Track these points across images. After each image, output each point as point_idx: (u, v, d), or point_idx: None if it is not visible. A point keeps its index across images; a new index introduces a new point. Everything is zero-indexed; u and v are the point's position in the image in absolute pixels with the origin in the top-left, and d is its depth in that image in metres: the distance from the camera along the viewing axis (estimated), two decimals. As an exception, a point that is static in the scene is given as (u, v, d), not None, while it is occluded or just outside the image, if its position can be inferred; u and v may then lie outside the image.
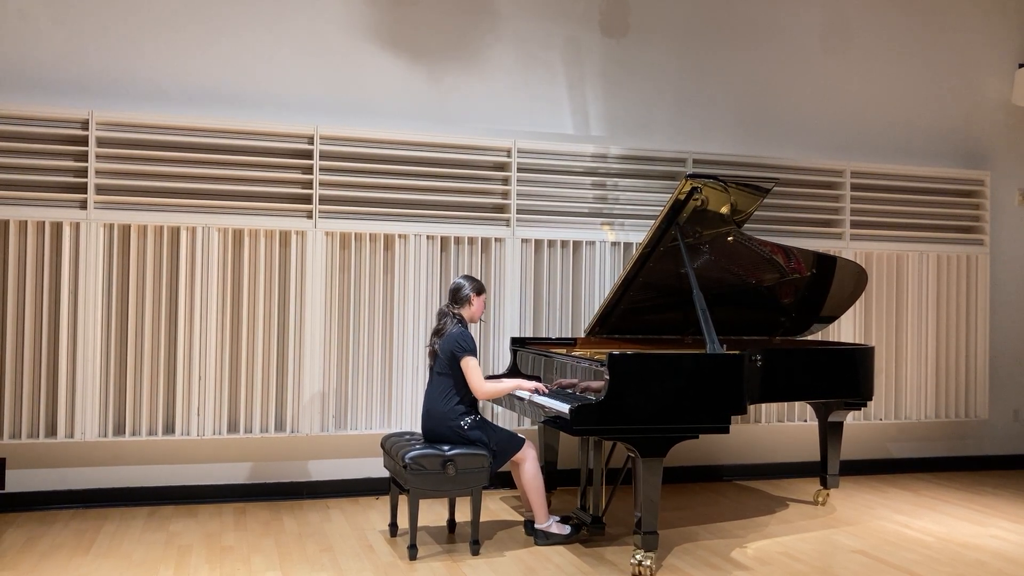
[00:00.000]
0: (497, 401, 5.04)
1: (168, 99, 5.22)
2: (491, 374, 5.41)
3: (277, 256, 5.28)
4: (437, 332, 4.44)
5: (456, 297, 4.47)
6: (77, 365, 4.95)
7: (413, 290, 5.46)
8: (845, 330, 6.20)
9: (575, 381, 4.45)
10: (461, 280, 4.51)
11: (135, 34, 5.18)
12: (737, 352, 4.15)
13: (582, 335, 5.41)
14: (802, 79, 6.36)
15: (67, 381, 4.94)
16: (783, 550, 4.45)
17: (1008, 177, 6.79)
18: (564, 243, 5.77)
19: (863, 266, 5.38)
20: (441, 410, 4.32)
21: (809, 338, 5.68)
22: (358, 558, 4.20)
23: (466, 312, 4.46)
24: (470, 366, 4.29)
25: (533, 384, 4.50)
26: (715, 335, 4.15)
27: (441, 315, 4.48)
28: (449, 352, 4.31)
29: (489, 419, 4.67)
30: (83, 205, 4.98)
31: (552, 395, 4.41)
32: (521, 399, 4.56)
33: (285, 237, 5.29)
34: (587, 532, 4.52)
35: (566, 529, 4.45)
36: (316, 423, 5.29)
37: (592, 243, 5.80)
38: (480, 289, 4.50)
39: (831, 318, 5.52)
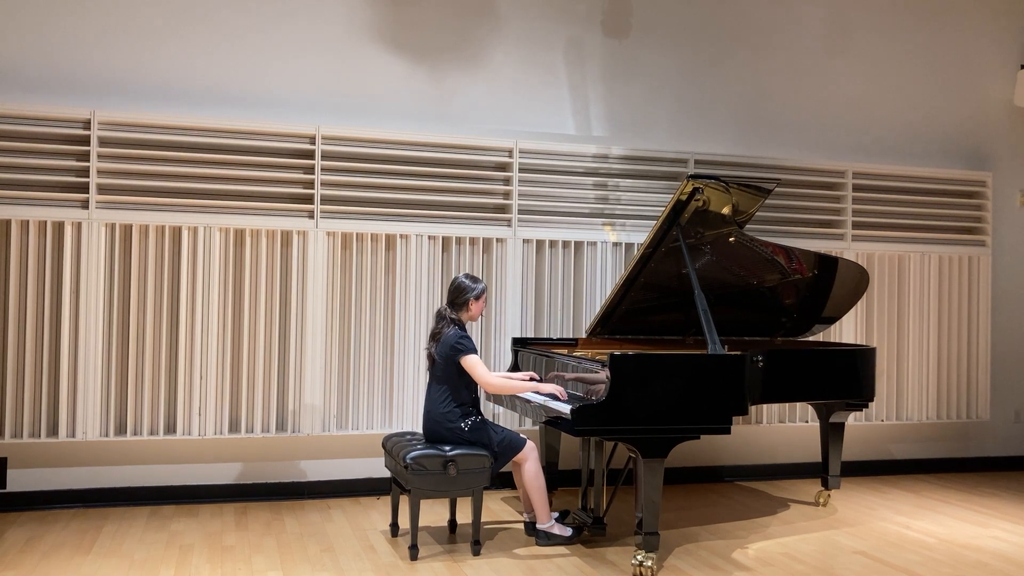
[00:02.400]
0: (498, 401, 5.03)
1: (170, 99, 5.23)
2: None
3: (278, 256, 5.28)
4: (434, 336, 4.41)
5: (454, 301, 4.41)
6: (78, 365, 4.95)
7: (414, 290, 5.46)
8: (847, 331, 6.20)
9: (581, 376, 4.43)
10: (463, 281, 4.43)
11: (137, 34, 5.18)
12: (739, 353, 4.15)
13: (583, 335, 5.41)
14: (804, 80, 6.36)
15: (68, 381, 4.94)
16: (784, 551, 4.45)
17: (1010, 178, 6.79)
18: (565, 243, 5.77)
19: (865, 267, 5.38)
20: (441, 412, 4.31)
21: (811, 339, 5.68)
22: (359, 558, 4.20)
23: (464, 316, 4.42)
24: (473, 363, 4.26)
25: (551, 387, 4.32)
26: (716, 336, 4.15)
27: (439, 317, 4.42)
28: (446, 356, 4.29)
29: (490, 419, 4.65)
30: (85, 205, 4.99)
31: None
32: (527, 401, 4.51)
33: (286, 237, 5.29)
34: (588, 533, 4.51)
35: (568, 531, 4.44)
36: (317, 423, 5.29)
37: (593, 243, 5.80)
38: (480, 293, 4.42)
39: (833, 319, 5.51)
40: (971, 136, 6.72)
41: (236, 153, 5.22)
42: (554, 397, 4.28)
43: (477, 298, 4.42)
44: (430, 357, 4.41)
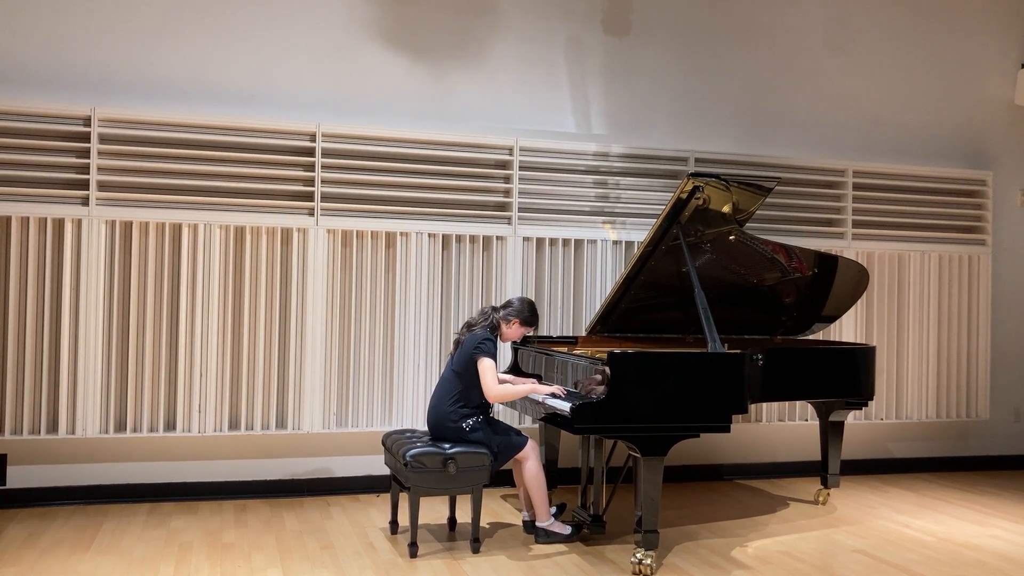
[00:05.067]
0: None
1: (170, 96, 5.22)
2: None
3: (279, 253, 5.28)
4: (468, 326, 4.44)
5: (503, 310, 4.48)
6: (78, 362, 4.95)
7: (414, 288, 5.46)
8: (846, 330, 6.20)
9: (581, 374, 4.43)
10: (517, 302, 4.50)
11: (138, 31, 5.18)
12: (738, 351, 4.14)
13: (583, 334, 5.41)
14: (804, 78, 6.36)
15: (68, 377, 4.94)
16: (784, 549, 4.45)
17: (1010, 177, 6.79)
18: (566, 241, 5.77)
19: (865, 266, 5.38)
20: (446, 409, 4.32)
21: (810, 337, 5.68)
22: (359, 556, 4.20)
23: (503, 326, 4.46)
24: (485, 367, 4.25)
25: (548, 387, 4.36)
26: (716, 334, 4.15)
27: (482, 312, 4.47)
28: (469, 352, 4.29)
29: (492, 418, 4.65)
30: (85, 202, 4.98)
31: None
32: (527, 399, 4.50)
33: (287, 234, 5.29)
34: (588, 531, 4.52)
35: (567, 528, 4.45)
36: (317, 420, 5.29)
37: (594, 242, 5.80)
38: (527, 321, 4.49)
39: (832, 318, 5.51)
40: (971, 135, 6.72)
41: (236, 150, 5.21)
42: (553, 395, 4.29)
43: (524, 324, 4.48)
44: (456, 343, 4.44)
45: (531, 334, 4.64)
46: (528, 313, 4.50)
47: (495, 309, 4.49)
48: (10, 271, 4.90)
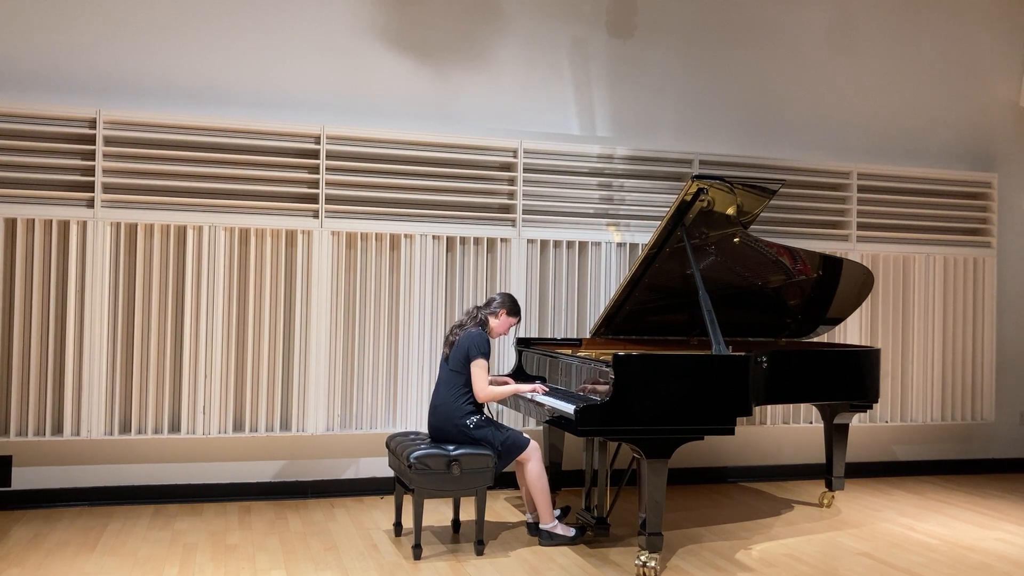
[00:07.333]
0: (503, 401, 5.03)
1: (175, 98, 5.24)
2: (496, 374, 5.40)
3: (283, 255, 5.29)
4: (460, 325, 4.49)
5: (488, 304, 4.58)
6: (84, 363, 4.96)
7: (419, 290, 5.47)
8: (851, 332, 6.19)
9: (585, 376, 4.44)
10: (499, 296, 4.63)
11: (143, 33, 5.19)
12: (743, 353, 4.14)
13: (587, 336, 5.42)
14: (809, 80, 6.35)
15: (73, 379, 4.95)
16: (788, 552, 4.44)
17: (1016, 179, 6.78)
18: (570, 244, 5.77)
19: (869, 268, 5.37)
20: (449, 408, 4.33)
21: (815, 340, 5.67)
22: (362, 557, 4.21)
23: (491, 322, 4.53)
24: (478, 368, 4.31)
25: (530, 386, 4.52)
26: (721, 336, 4.15)
27: (468, 314, 4.54)
28: (464, 351, 4.34)
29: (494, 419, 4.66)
30: (90, 204, 5.00)
31: (557, 395, 4.41)
32: (531, 400, 4.55)
33: (291, 236, 5.30)
34: (591, 533, 4.51)
35: (571, 531, 4.45)
36: (321, 422, 5.29)
37: (598, 244, 5.80)
38: (512, 311, 4.59)
39: (837, 320, 5.51)
40: (977, 137, 6.71)
41: (241, 152, 5.23)
42: (539, 393, 4.43)
43: (508, 313, 4.57)
44: (450, 344, 4.47)
45: (516, 326, 4.72)
46: (511, 303, 4.61)
47: (479, 308, 4.57)
48: (15, 273, 4.91)
